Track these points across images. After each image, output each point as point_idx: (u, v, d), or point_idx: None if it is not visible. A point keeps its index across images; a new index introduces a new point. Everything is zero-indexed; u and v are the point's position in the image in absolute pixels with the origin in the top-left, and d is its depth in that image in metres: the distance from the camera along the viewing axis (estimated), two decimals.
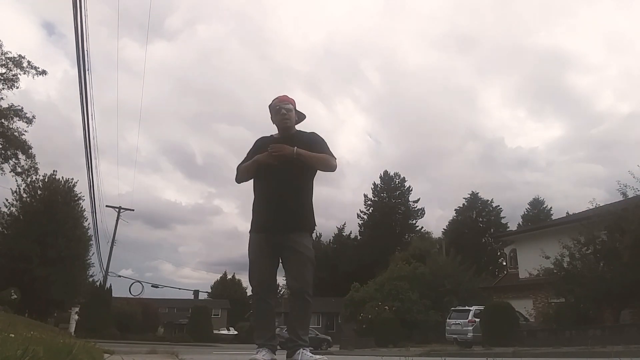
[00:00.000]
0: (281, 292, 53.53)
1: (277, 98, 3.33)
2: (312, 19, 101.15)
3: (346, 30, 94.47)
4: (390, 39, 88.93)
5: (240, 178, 3.29)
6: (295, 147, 3.05)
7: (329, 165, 3.19)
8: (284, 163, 3.06)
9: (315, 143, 3.24)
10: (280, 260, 3.18)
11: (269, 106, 3.35)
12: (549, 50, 76.84)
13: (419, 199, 56.00)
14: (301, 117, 3.41)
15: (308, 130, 3.42)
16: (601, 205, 16.89)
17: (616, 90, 77.21)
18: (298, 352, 2.98)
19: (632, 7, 65.24)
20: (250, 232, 3.23)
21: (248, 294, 69.66)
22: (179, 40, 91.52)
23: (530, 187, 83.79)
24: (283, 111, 3.25)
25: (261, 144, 3.30)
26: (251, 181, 3.29)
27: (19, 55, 23.62)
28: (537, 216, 48.13)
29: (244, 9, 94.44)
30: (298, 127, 3.44)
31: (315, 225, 3.27)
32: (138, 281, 35.47)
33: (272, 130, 3.44)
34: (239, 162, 3.34)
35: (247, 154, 3.35)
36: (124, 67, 75.41)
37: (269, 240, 3.08)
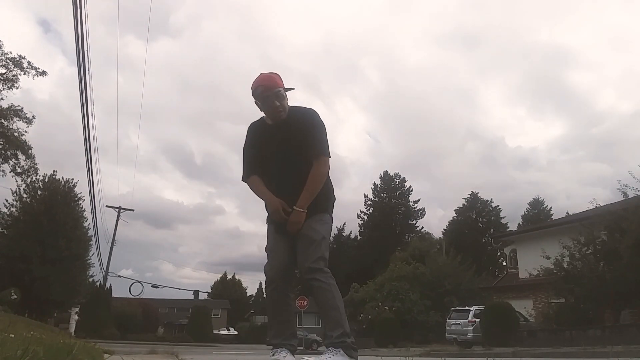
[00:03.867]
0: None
1: (258, 82, 2.66)
2: (311, 18, 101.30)
3: (345, 28, 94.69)
4: (389, 37, 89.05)
5: (253, 191, 2.87)
6: (302, 211, 2.62)
7: (321, 179, 2.69)
8: (284, 155, 2.72)
9: (308, 133, 2.68)
10: None
11: (252, 92, 2.71)
12: (549, 48, 77.05)
13: (419, 199, 56.00)
14: (288, 90, 2.78)
15: (305, 106, 2.84)
16: (601, 205, 16.90)
17: (618, 88, 77.31)
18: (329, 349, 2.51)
19: (634, 4, 65.18)
20: (267, 223, 2.92)
21: (248, 294, 69.90)
22: (182, 38, 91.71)
23: (531, 187, 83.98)
24: (276, 103, 2.65)
25: (255, 136, 2.84)
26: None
27: (19, 56, 23.68)
28: (537, 216, 48.11)
29: (242, 8, 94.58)
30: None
31: (331, 203, 2.90)
32: (138, 281, 35.52)
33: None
34: (245, 168, 2.88)
35: (244, 147, 2.89)
36: (127, 65, 75.54)
37: (285, 232, 2.74)
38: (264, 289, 2.84)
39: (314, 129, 2.71)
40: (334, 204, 2.96)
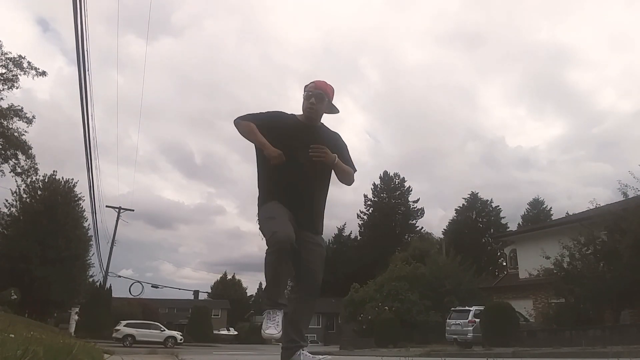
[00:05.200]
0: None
1: (313, 82, 3.00)
2: (311, 17, 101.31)
3: (345, 27, 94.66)
4: (389, 37, 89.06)
5: (241, 132, 2.91)
6: (336, 156, 2.86)
7: (350, 181, 3.03)
8: (307, 158, 2.81)
9: (340, 149, 3.01)
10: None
11: (305, 86, 3.03)
12: (549, 47, 76.96)
13: (418, 199, 56.07)
14: (333, 110, 3.08)
15: (331, 128, 3.15)
16: (601, 205, 16.89)
17: (618, 88, 77.31)
18: (298, 353, 2.84)
19: (634, 3, 65.17)
20: (265, 202, 2.90)
21: (248, 294, 69.87)
22: (183, 37, 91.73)
23: (531, 187, 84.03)
24: (313, 100, 2.93)
25: (283, 120, 2.99)
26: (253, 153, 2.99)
27: (19, 56, 23.70)
28: (537, 216, 48.13)
29: (243, 7, 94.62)
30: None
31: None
32: (138, 281, 35.56)
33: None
34: (245, 114, 2.95)
35: (261, 113, 2.98)
36: (129, 64, 75.55)
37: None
38: (268, 252, 2.62)
39: (346, 148, 3.11)
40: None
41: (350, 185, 3.05)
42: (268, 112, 3.02)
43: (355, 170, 3.09)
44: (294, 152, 2.83)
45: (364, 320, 25.27)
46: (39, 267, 26.70)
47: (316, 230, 2.98)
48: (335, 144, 3.03)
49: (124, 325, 24.95)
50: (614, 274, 13.20)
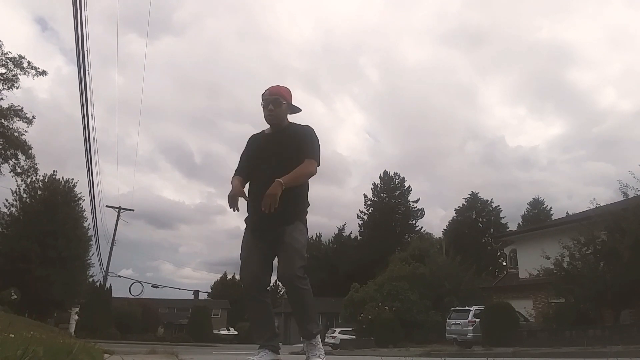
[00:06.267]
0: (281, 293, 53.45)
1: (267, 89, 3.09)
2: (311, 16, 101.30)
3: (345, 27, 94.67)
4: (389, 36, 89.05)
5: None
6: (282, 184, 2.75)
7: (307, 175, 2.95)
8: (270, 164, 2.95)
9: (300, 140, 3.01)
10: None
11: (261, 95, 3.12)
12: (550, 46, 76.96)
13: (418, 199, 56.04)
14: (295, 110, 3.17)
15: (303, 123, 3.19)
16: (601, 205, 16.89)
17: (619, 87, 77.30)
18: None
19: (635, 2, 65.19)
20: (245, 228, 3.13)
21: None
22: (184, 36, 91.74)
23: (531, 187, 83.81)
24: (270, 106, 3.03)
25: (252, 143, 3.21)
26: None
27: (19, 56, 23.65)
28: (537, 216, 48.09)
29: (243, 6, 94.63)
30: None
31: (306, 210, 3.10)
32: (138, 281, 35.55)
33: None
34: (236, 169, 3.17)
35: (241, 155, 3.22)
36: (130, 63, 75.55)
37: (262, 237, 2.96)
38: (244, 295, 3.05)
39: (309, 138, 3.05)
40: (308, 208, 3.16)
41: (310, 177, 2.98)
42: (243, 150, 3.22)
43: (319, 163, 2.98)
44: (261, 164, 3.01)
45: (364, 320, 25.27)
46: (39, 267, 26.69)
47: (292, 221, 2.95)
48: (301, 137, 3.04)
49: (339, 332, 28.20)
50: (614, 274, 13.21)
